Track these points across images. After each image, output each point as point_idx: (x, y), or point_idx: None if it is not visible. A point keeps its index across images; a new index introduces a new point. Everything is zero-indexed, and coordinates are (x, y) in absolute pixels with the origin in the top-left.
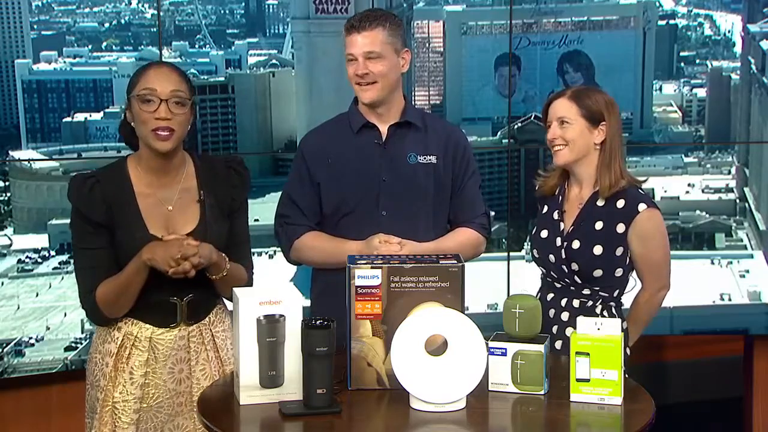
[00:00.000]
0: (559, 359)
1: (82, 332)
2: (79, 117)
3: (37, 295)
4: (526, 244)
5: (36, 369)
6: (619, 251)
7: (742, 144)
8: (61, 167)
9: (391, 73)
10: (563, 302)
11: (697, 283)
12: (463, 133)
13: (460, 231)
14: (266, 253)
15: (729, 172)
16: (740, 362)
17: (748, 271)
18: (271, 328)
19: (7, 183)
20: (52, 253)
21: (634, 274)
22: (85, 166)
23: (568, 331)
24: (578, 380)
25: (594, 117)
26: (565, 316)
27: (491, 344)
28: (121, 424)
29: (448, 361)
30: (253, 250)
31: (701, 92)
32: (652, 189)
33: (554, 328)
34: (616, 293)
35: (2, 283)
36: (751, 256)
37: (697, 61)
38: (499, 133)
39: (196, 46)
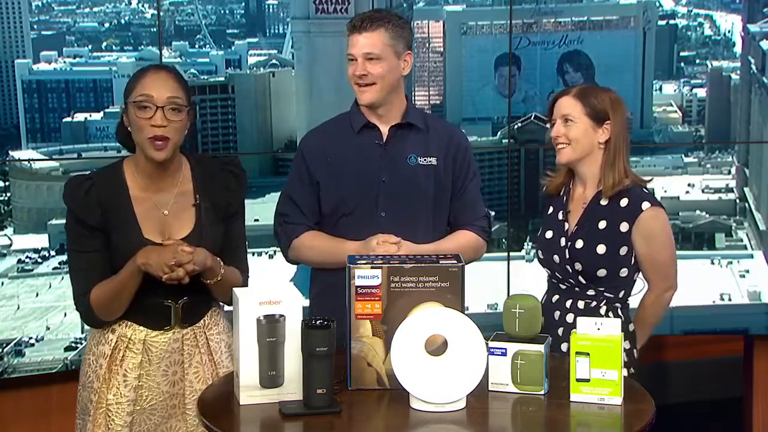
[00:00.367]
0: (563, 361)
1: (82, 332)
2: (79, 117)
3: (37, 295)
4: (526, 244)
5: (36, 369)
6: (623, 250)
7: (742, 144)
8: (61, 167)
9: (390, 75)
10: (568, 303)
11: (697, 283)
12: (464, 134)
13: (460, 233)
14: (266, 253)
15: (729, 172)
16: (740, 362)
17: (748, 271)
18: (271, 328)
19: (7, 183)
20: (52, 253)
21: (641, 275)
22: (85, 166)
23: None
24: (578, 380)
25: (598, 116)
26: (570, 317)
27: (491, 344)
28: (114, 426)
29: (448, 361)
30: (253, 250)
31: (701, 92)
32: (653, 189)
33: (560, 330)
34: (621, 294)
35: (2, 283)
36: (751, 256)
37: (697, 61)
38: (499, 133)
39: (196, 46)
